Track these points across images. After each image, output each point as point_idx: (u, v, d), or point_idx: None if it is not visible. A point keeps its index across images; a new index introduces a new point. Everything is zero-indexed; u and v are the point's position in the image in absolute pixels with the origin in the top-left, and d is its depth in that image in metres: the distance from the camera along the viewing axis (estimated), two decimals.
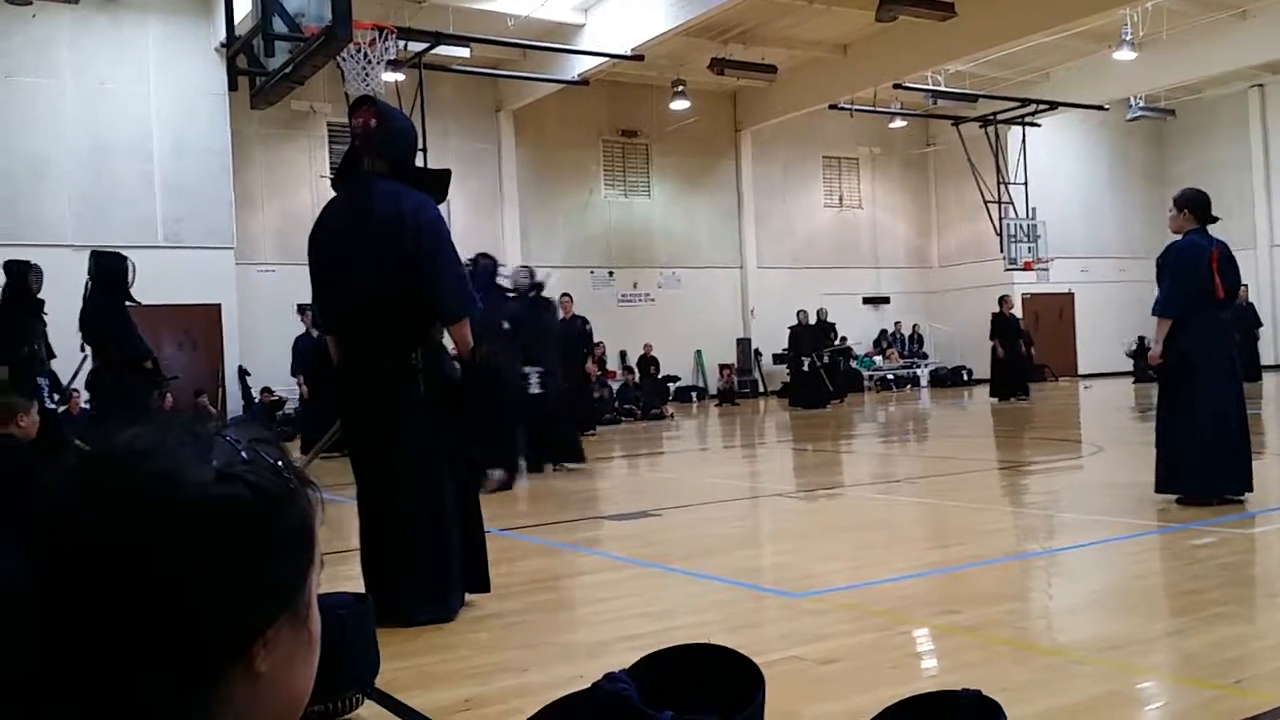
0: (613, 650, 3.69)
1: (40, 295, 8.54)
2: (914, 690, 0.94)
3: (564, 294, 15.22)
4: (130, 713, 0.73)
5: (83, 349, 8.52)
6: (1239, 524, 5.78)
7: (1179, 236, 6.38)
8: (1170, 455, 6.27)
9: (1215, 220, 6.43)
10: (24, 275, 8.39)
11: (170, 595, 0.73)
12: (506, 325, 8.85)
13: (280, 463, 0.81)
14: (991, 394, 19.09)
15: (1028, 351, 19.73)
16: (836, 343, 21.77)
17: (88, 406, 8.31)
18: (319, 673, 0.85)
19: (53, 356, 8.67)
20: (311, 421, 12.35)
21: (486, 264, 9.14)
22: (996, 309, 19.52)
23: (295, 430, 12.90)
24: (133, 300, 8.47)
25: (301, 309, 12.51)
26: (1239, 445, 6.23)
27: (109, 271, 8.42)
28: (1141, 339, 24.45)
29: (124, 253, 8.41)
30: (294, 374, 13.37)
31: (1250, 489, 6.23)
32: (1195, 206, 6.34)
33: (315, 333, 12.09)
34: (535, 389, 9.32)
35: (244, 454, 0.79)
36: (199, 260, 16.50)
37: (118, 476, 0.75)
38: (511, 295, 9.80)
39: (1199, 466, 6.13)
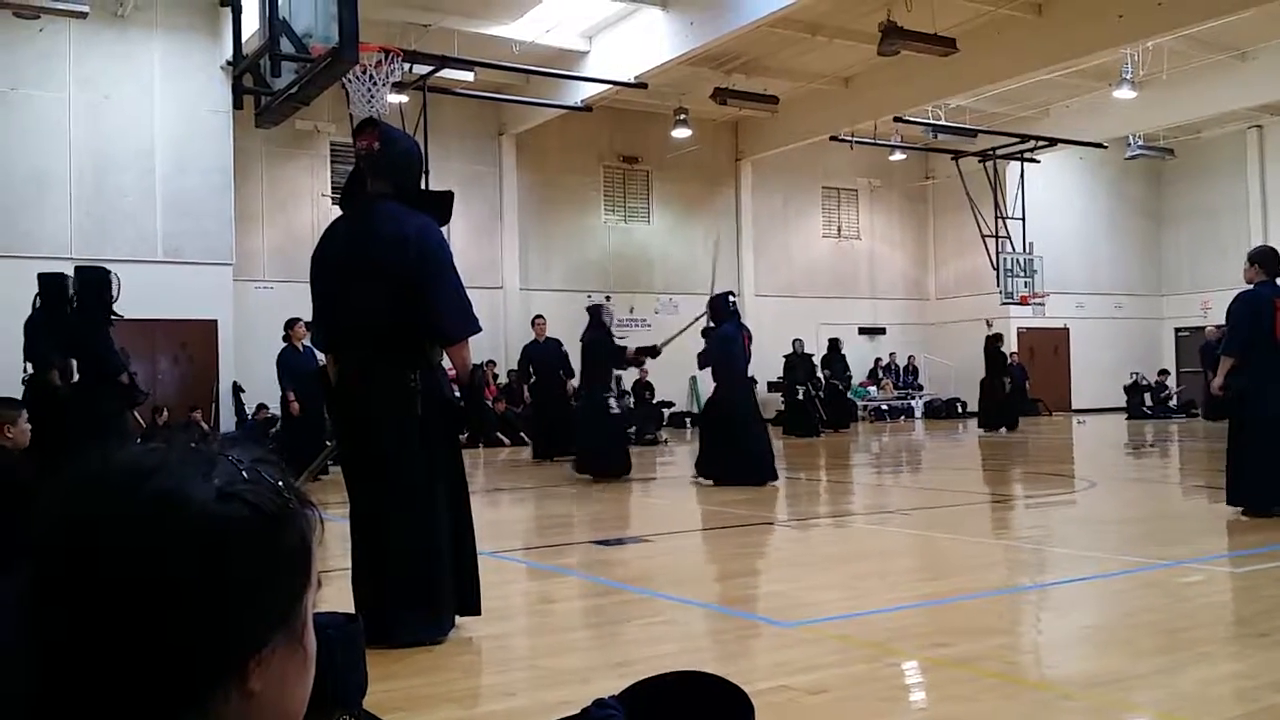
0: (602, 676, 3.68)
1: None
2: None
3: (537, 316, 15.28)
4: None
5: None
6: (1227, 563, 5.80)
7: (1249, 286, 7.27)
8: (1233, 475, 7.17)
9: None
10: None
11: (168, 611, 0.73)
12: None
13: (281, 483, 0.82)
14: (992, 426, 19.43)
15: (1014, 385, 20.29)
16: (846, 374, 21.82)
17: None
18: None
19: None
20: (295, 440, 12.09)
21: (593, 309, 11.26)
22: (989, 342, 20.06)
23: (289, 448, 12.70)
24: (116, 315, 8.46)
25: (289, 325, 12.35)
26: None
27: (92, 286, 8.43)
28: (1137, 375, 24.51)
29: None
30: (284, 389, 13.13)
31: None
32: (1263, 261, 7.29)
33: (302, 346, 11.93)
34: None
35: (245, 473, 0.80)
36: (197, 276, 16.50)
37: (121, 492, 0.76)
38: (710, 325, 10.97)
39: (1254, 485, 7.02)
